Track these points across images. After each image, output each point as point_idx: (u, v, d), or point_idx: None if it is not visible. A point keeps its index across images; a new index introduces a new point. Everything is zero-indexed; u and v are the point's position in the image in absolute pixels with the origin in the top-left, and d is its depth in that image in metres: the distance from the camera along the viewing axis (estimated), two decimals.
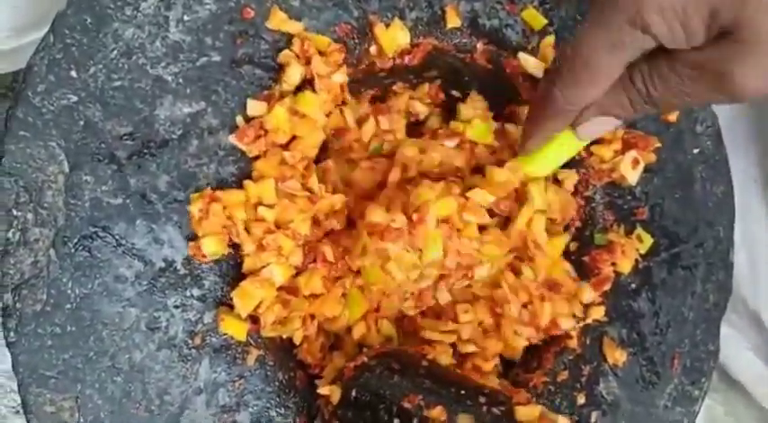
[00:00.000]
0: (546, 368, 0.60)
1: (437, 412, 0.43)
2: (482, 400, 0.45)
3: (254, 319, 0.51)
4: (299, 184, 0.52)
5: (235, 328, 0.50)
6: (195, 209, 0.49)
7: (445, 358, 0.54)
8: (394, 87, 0.62)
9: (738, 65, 0.39)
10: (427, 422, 0.43)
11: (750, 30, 0.38)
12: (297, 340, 0.53)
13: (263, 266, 0.51)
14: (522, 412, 0.43)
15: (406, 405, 0.45)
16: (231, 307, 0.50)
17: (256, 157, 0.52)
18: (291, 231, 0.52)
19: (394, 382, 0.47)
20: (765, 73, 0.39)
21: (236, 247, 0.51)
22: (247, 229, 0.50)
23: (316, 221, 0.54)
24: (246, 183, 0.51)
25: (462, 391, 0.46)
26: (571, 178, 0.62)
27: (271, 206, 0.51)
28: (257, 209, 0.51)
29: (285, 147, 0.52)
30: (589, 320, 0.61)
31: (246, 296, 0.49)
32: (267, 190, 0.51)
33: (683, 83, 0.42)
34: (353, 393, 0.48)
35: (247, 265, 0.51)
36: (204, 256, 0.49)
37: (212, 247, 0.49)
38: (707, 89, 0.42)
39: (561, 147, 0.53)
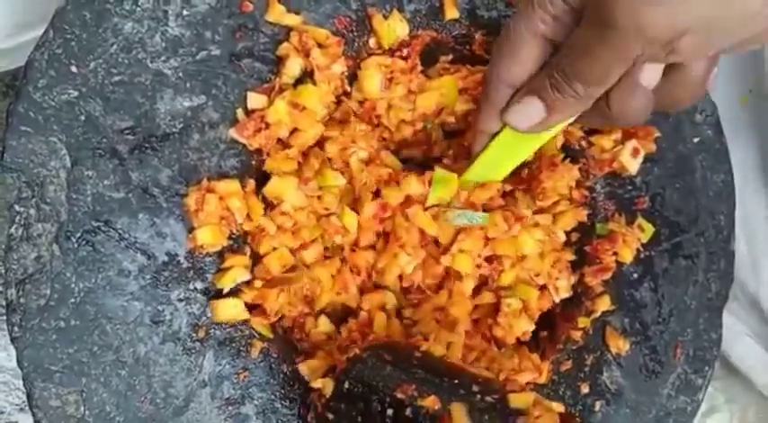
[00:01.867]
0: (550, 357, 0.60)
1: (430, 401, 0.43)
2: (476, 388, 0.45)
3: (252, 308, 0.51)
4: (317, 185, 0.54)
5: (231, 311, 0.50)
6: (191, 201, 0.49)
7: (438, 349, 0.54)
8: None
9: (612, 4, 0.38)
10: (420, 411, 0.43)
11: None
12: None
13: (276, 248, 0.51)
14: (515, 399, 0.43)
15: (400, 395, 0.44)
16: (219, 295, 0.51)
17: (261, 153, 0.52)
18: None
19: (387, 373, 0.47)
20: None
21: (237, 239, 0.51)
22: (249, 217, 0.51)
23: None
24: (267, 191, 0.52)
25: (456, 381, 0.46)
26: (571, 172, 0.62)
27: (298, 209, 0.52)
28: (281, 209, 0.52)
29: (286, 140, 0.53)
30: (597, 314, 0.61)
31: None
32: (287, 190, 0.52)
33: (582, 42, 0.42)
34: (346, 385, 0.47)
35: (264, 247, 0.51)
36: (202, 247, 0.49)
37: (207, 237, 0.49)
38: (599, 41, 0.40)
39: (503, 147, 0.51)
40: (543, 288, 0.60)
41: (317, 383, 0.50)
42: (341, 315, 0.57)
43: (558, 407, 0.42)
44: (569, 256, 0.62)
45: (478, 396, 0.44)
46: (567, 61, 0.43)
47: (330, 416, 0.48)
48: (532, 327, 0.59)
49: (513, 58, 0.46)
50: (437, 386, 0.45)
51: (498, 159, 0.53)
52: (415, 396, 0.44)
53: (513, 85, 0.47)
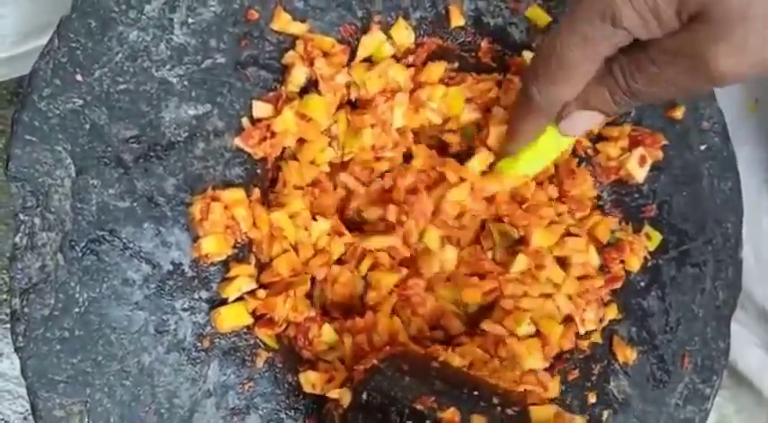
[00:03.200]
0: (557, 367, 0.59)
1: (450, 414, 0.42)
2: (496, 400, 0.44)
3: (258, 318, 0.51)
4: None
5: (234, 317, 0.50)
6: (196, 210, 0.49)
7: (457, 360, 0.53)
8: None
9: (712, 45, 0.39)
10: None
11: (720, 8, 0.38)
12: None
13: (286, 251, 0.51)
14: (537, 412, 0.43)
15: (419, 407, 0.44)
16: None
17: (266, 162, 0.52)
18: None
19: (405, 384, 0.46)
20: (738, 52, 0.38)
21: (242, 248, 0.51)
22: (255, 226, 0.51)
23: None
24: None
25: (475, 392, 0.45)
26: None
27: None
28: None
29: (291, 149, 0.53)
30: (605, 322, 0.61)
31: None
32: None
33: (662, 71, 0.42)
34: (364, 396, 0.47)
35: (275, 250, 0.51)
36: (207, 256, 0.49)
37: (212, 246, 0.49)
38: (685, 75, 0.41)
39: (547, 145, 0.53)
40: (569, 320, 0.57)
41: (334, 393, 0.49)
42: (345, 309, 0.57)
43: (582, 420, 0.42)
44: (600, 282, 0.59)
45: (499, 408, 0.44)
46: (642, 85, 0.43)
47: None
48: (544, 365, 0.56)
49: (569, 83, 0.46)
50: (457, 398, 0.44)
51: (538, 156, 0.55)
52: (435, 408, 0.43)
53: (567, 101, 0.48)
